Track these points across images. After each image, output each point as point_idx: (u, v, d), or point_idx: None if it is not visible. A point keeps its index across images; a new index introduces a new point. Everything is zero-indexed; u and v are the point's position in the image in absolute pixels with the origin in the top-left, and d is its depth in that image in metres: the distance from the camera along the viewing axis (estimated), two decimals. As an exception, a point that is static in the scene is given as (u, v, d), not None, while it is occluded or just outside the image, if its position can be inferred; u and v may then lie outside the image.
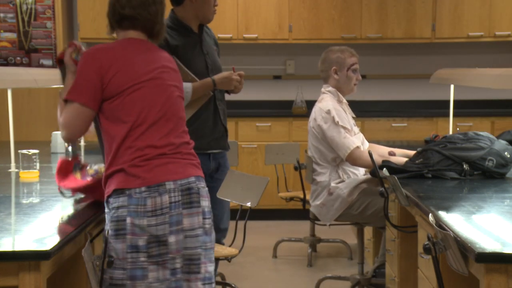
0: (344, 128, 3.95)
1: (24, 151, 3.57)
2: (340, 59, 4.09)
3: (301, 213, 4.79)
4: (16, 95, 6.07)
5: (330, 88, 4.11)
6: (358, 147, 3.91)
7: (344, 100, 4.12)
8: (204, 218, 2.55)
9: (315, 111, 4.08)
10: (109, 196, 2.49)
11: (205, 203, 2.56)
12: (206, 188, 2.60)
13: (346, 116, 4.04)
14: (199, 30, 3.62)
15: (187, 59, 3.48)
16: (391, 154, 4.04)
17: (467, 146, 3.43)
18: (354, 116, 4.18)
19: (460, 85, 4.67)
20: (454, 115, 5.11)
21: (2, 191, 3.31)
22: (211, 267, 2.58)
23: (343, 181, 4.03)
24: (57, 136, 4.55)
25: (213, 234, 2.61)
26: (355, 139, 3.97)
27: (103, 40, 7.12)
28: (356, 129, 4.11)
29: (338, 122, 3.94)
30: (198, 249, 2.52)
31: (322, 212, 4.09)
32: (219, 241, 3.63)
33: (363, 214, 3.98)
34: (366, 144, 4.20)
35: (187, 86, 3.39)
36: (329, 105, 4.00)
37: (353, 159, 3.92)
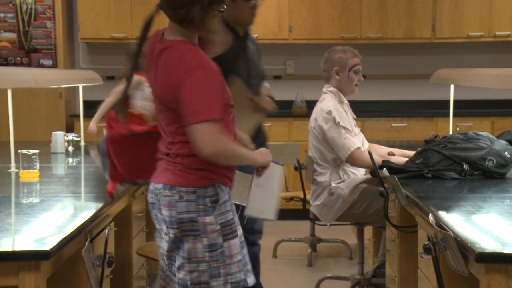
0: (345, 128, 3.94)
1: (24, 151, 3.57)
2: (342, 60, 4.08)
3: (301, 213, 4.78)
4: (16, 95, 6.07)
5: (332, 88, 4.11)
6: (358, 148, 3.91)
7: (345, 101, 4.12)
8: (166, 227, 2.53)
9: (316, 111, 4.08)
10: None
11: (167, 212, 2.50)
12: (174, 197, 2.48)
13: (347, 117, 4.03)
14: (244, 34, 3.46)
15: (230, 64, 3.24)
16: (390, 154, 4.04)
17: (467, 146, 3.43)
18: (355, 117, 4.18)
19: (460, 85, 4.66)
20: (454, 115, 5.11)
21: (2, 191, 3.31)
22: (186, 275, 2.51)
23: (343, 181, 4.03)
24: (57, 136, 4.55)
25: (193, 245, 2.49)
26: (356, 140, 3.97)
27: (103, 40, 7.15)
28: (356, 130, 4.10)
29: (339, 122, 3.93)
30: (166, 250, 2.58)
31: (323, 212, 4.09)
32: (255, 242, 3.61)
33: (364, 213, 3.98)
34: (366, 144, 4.19)
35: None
36: (330, 106, 4.00)
37: (353, 159, 3.91)
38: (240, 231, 2.58)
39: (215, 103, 2.41)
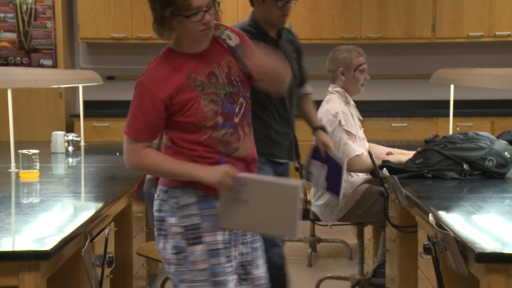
0: (348, 133, 3.91)
1: (24, 151, 3.58)
2: (347, 60, 4.07)
3: (302, 213, 4.77)
4: (16, 95, 6.07)
5: (338, 89, 4.09)
6: (357, 156, 3.88)
7: (352, 102, 4.10)
8: None
9: (322, 111, 4.04)
10: None
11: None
12: (155, 194, 2.50)
13: (353, 121, 4.00)
14: (277, 35, 3.36)
15: None
16: (389, 154, 4.04)
17: (467, 146, 3.43)
18: (361, 118, 4.15)
19: (460, 85, 4.67)
20: (454, 115, 5.11)
21: (2, 191, 3.31)
22: (168, 275, 2.51)
23: (346, 181, 4.02)
24: (57, 136, 4.55)
25: (163, 245, 2.45)
26: (356, 146, 3.93)
27: (103, 40, 7.13)
28: (361, 134, 4.08)
29: (343, 125, 3.91)
30: None
31: (325, 212, 4.07)
32: (277, 244, 3.53)
33: (368, 212, 3.97)
34: (366, 144, 4.19)
35: None
36: (337, 108, 3.97)
37: (349, 165, 3.88)
38: (210, 238, 2.39)
39: (137, 122, 2.37)
